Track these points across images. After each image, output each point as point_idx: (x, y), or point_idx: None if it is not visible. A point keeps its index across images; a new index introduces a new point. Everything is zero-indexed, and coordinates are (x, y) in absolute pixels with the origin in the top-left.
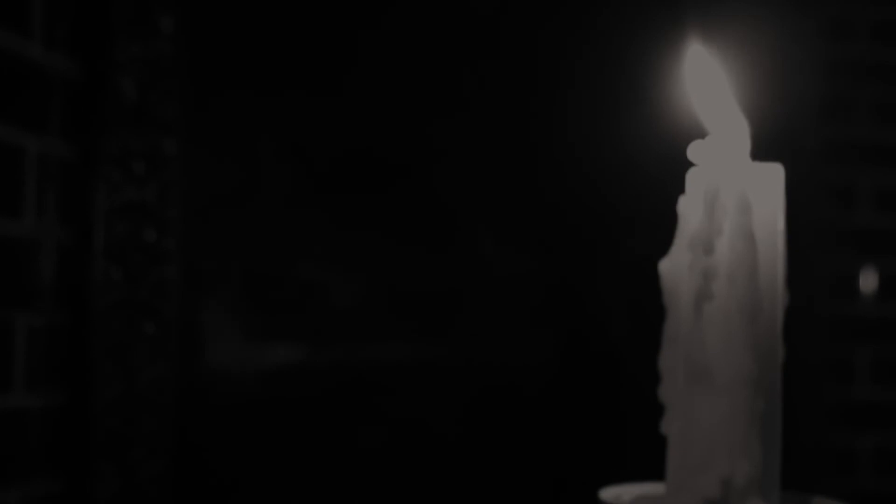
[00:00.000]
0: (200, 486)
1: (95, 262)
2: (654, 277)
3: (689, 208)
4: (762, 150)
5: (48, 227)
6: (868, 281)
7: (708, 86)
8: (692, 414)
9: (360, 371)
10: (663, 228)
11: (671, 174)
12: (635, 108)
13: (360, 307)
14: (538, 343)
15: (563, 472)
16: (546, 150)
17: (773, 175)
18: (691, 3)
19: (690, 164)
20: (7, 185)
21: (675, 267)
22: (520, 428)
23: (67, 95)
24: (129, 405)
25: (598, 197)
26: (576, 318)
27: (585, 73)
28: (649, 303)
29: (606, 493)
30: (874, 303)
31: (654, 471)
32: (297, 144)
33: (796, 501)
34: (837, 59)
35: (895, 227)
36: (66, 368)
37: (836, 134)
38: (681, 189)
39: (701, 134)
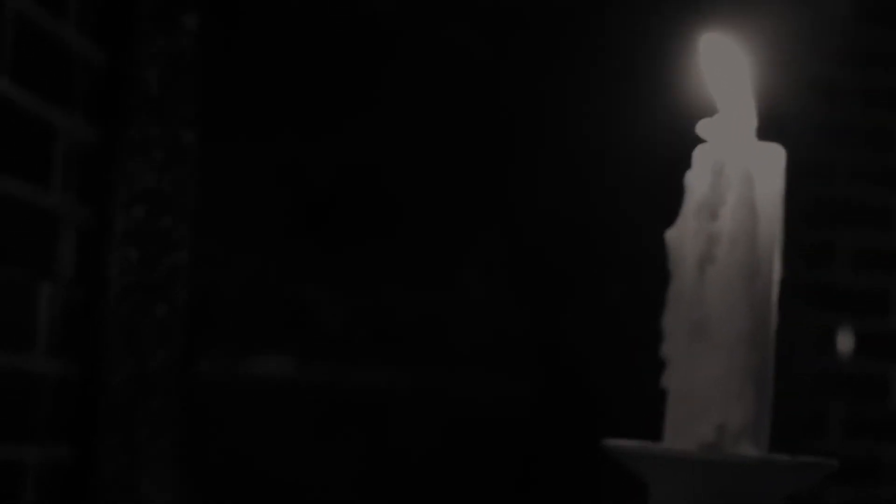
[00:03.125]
0: (203, 466)
1: (114, 244)
2: (633, 314)
3: (696, 181)
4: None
5: (71, 205)
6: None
7: (723, 70)
8: (692, 368)
9: (342, 392)
10: (644, 268)
11: (656, 216)
12: (622, 148)
13: (344, 330)
14: (518, 374)
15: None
16: (530, 188)
17: (775, 154)
18: None
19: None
20: (39, 157)
21: (680, 234)
22: (497, 459)
23: (93, 81)
24: (137, 384)
25: (581, 235)
26: (556, 352)
27: (578, 107)
28: (629, 339)
29: (611, 441)
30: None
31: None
32: (297, 163)
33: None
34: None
35: None
36: (82, 343)
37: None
38: (660, 230)
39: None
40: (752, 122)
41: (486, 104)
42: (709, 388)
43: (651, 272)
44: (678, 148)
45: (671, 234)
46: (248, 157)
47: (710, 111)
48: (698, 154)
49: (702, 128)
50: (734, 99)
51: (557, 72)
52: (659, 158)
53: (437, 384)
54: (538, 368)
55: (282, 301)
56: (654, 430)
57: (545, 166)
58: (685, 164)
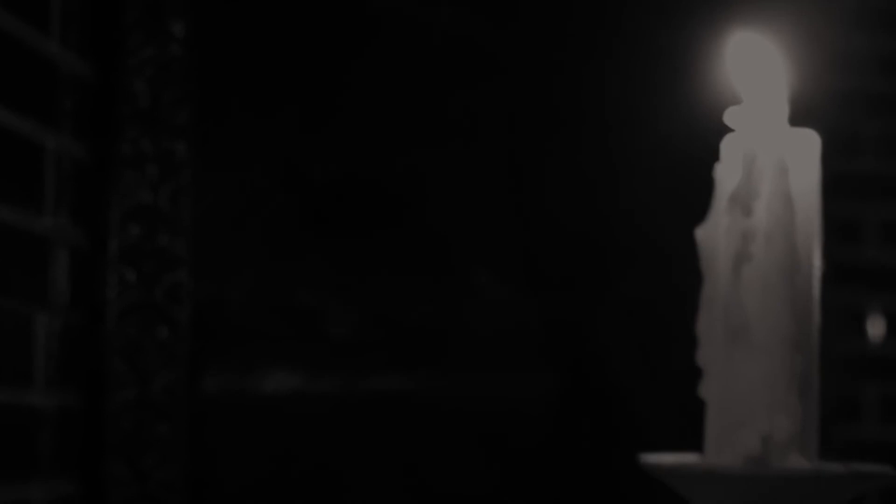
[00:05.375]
0: (214, 492)
1: (110, 265)
2: (655, 313)
3: (726, 174)
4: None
5: (65, 227)
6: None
7: (752, 59)
8: (731, 374)
9: (352, 401)
10: (666, 265)
11: (679, 208)
12: (645, 138)
13: (355, 336)
14: (535, 379)
15: None
16: (546, 181)
17: (810, 141)
18: None
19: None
20: (29, 181)
21: (712, 232)
22: (514, 471)
23: (81, 96)
24: (142, 409)
25: (599, 230)
26: (575, 355)
27: (595, 99)
28: (651, 341)
29: (648, 457)
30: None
31: None
32: (296, 169)
33: (834, 462)
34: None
35: None
36: (82, 370)
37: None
38: (687, 225)
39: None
40: (784, 108)
41: (496, 95)
42: (751, 397)
43: (681, 266)
44: (703, 138)
45: (702, 233)
46: (245, 164)
47: (737, 100)
48: (727, 144)
49: (730, 116)
50: (764, 85)
51: (572, 57)
52: (683, 147)
53: (456, 390)
54: (561, 369)
55: (288, 311)
56: (684, 434)
57: (560, 158)
58: (711, 154)
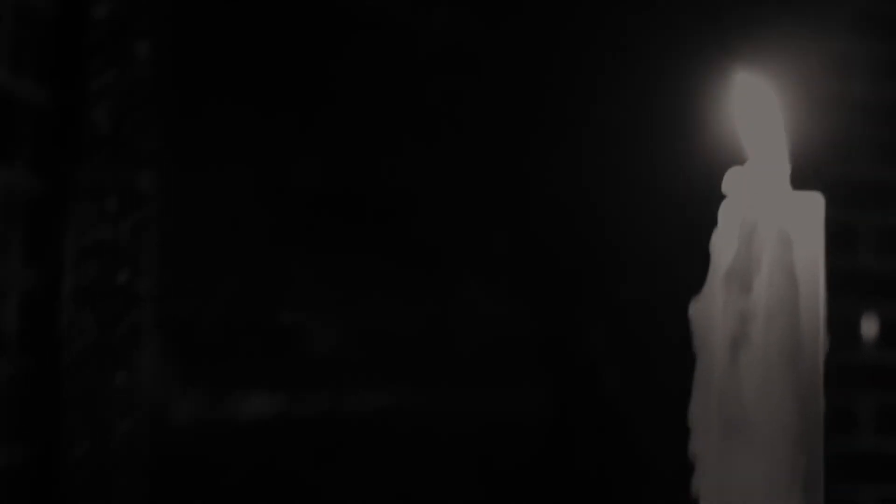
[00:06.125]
0: None
1: (64, 306)
2: (649, 324)
3: (723, 243)
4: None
5: (13, 268)
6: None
7: (753, 111)
8: (728, 471)
9: (338, 423)
10: (660, 274)
11: (673, 218)
12: (639, 146)
13: (339, 353)
14: (527, 393)
15: None
16: (536, 190)
17: (814, 206)
18: (734, 21)
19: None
20: None
21: (707, 307)
22: (505, 488)
23: (36, 125)
24: (100, 461)
25: (591, 239)
26: (568, 368)
27: (586, 109)
28: (645, 352)
29: None
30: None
31: None
32: (276, 183)
33: None
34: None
35: None
36: (33, 422)
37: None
38: (681, 233)
39: (733, 163)
40: (786, 169)
41: (483, 101)
42: (749, 495)
43: (675, 275)
44: (695, 143)
45: (696, 309)
46: (220, 181)
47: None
48: (724, 210)
49: (728, 181)
50: (765, 142)
51: (565, 61)
52: (677, 155)
53: (444, 405)
54: (553, 382)
55: (267, 331)
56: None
57: (551, 166)
58: (704, 160)
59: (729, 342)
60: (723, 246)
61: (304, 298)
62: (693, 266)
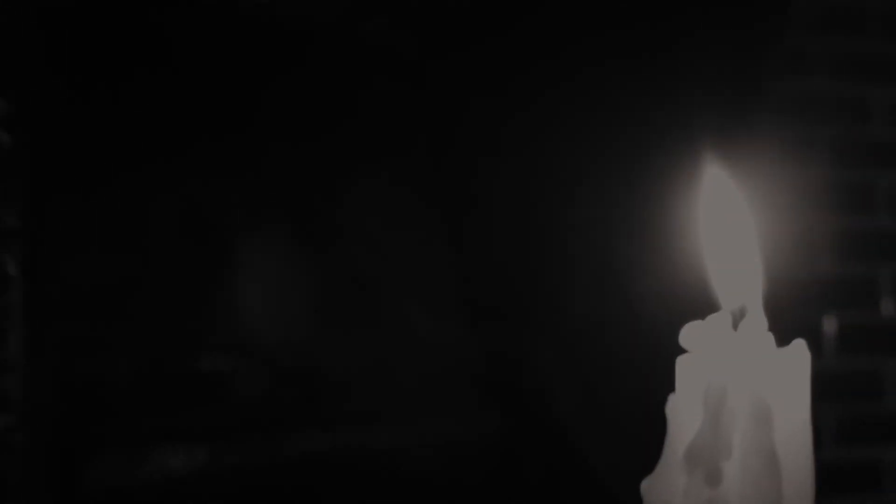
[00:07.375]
0: None
1: None
2: (597, 344)
3: (683, 412)
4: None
5: None
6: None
7: (723, 214)
8: None
9: (273, 470)
10: (607, 288)
11: (625, 231)
12: (587, 159)
13: (271, 397)
14: (476, 418)
15: None
16: (480, 208)
17: (798, 359)
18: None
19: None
20: None
21: (662, 491)
22: None
23: None
24: None
25: (536, 258)
26: (516, 390)
27: (532, 119)
28: (594, 372)
29: None
30: None
31: None
32: (188, 219)
33: None
34: None
35: None
36: None
37: None
38: (630, 251)
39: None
40: (761, 315)
41: (424, 118)
42: None
43: (623, 295)
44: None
45: (647, 487)
46: (107, 256)
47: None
48: (683, 371)
49: (687, 336)
50: (736, 261)
51: (510, 76)
52: (628, 173)
53: (387, 441)
54: (502, 406)
55: (187, 379)
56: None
57: (496, 183)
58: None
59: None
60: (682, 416)
61: (228, 341)
62: (640, 284)
